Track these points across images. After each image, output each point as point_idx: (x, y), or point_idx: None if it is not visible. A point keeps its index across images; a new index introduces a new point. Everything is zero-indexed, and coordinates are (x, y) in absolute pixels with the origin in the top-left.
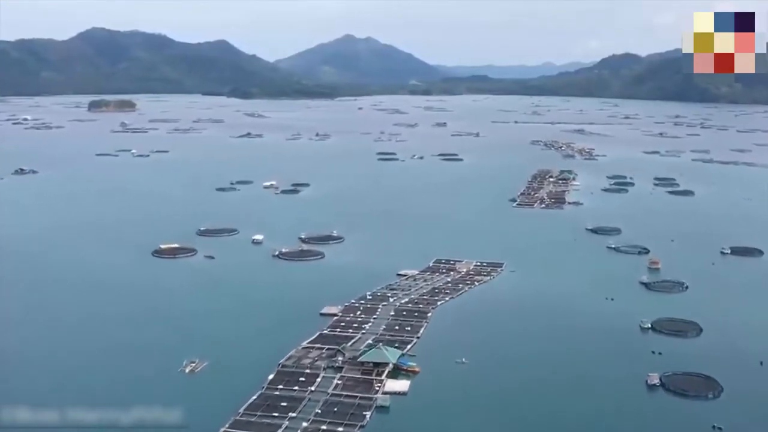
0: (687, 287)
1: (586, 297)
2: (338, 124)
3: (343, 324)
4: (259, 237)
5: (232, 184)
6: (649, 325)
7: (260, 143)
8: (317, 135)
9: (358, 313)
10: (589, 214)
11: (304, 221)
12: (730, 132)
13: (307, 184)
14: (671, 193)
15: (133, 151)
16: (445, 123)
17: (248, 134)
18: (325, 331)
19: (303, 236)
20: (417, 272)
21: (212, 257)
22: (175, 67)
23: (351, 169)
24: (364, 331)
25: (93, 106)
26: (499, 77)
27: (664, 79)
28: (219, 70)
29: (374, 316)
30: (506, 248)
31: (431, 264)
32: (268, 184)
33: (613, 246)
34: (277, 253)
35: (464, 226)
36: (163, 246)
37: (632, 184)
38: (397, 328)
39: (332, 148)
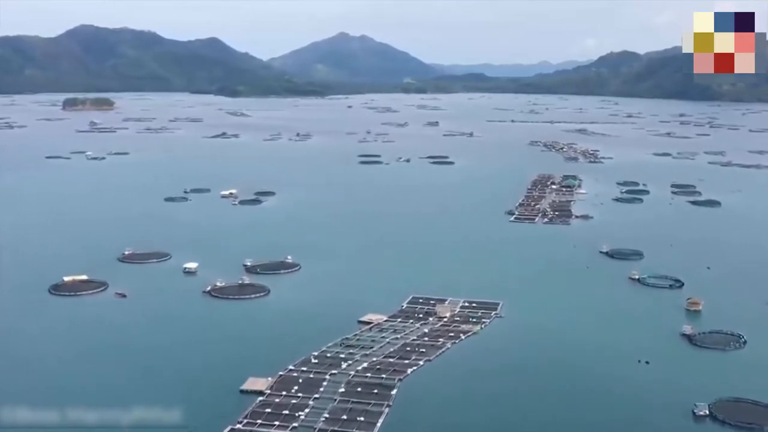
0: (745, 341)
1: (612, 360)
2: (324, 124)
3: (268, 410)
4: (192, 265)
5: (185, 192)
6: (707, 411)
7: (234, 144)
8: (298, 135)
9: (295, 389)
10: (602, 232)
11: (257, 242)
12: (741, 132)
13: (272, 193)
14: (694, 203)
15: (89, 153)
16: (437, 122)
17: (223, 134)
18: (238, 425)
19: (249, 263)
20: (385, 318)
21: (124, 295)
22: (163, 64)
23: (326, 175)
24: (296, 424)
25: (68, 104)
26: (495, 76)
27: (664, 76)
28: (208, 68)
29: (316, 395)
30: (502, 280)
31: (405, 305)
32: (226, 192)
33: (636, 277)
34: (209, 288)
35: (451, 248)
36: (66, 279)
37: (647, 192)
38: (345, 417)
39: (311, 149)
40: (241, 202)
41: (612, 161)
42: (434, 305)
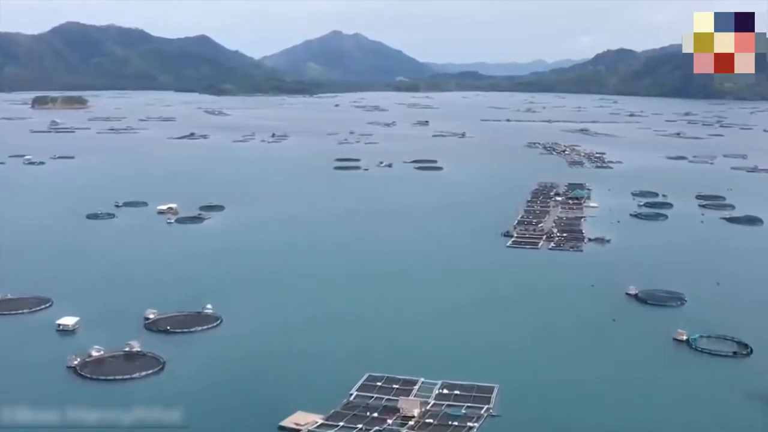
0: None
1: None
2: (306, 123)
3: None
4: (69, 321)
5: (116, 206)
6: None
7: (200, 146)
8: (273, 136)
9: None
10: (624, 262)
11: (176, 281)
12: (755, 132)
13: (219, 208)
14: (729, 220)
15: (28, 157)
16: (426, 122)
17: (191, 135)
18: None
19: (151, 316)
20: (320, 421)
21: None
22: (149, 62)
23: (292, 184)
24: None
25: (37, 102)
26: (489, 74)
27: (663, 74)
28: (196, 66)
29: None
30: (498, 346)
31: (354, 392)
32: (164, 207)
33: (685, 338)
34: (77, 361)
35: (427, 294)
36: None
37: (670, 206)
38: None
39: (284, 152)
40: (179, 220)
41: (622, 166)
42: (397, 393)
